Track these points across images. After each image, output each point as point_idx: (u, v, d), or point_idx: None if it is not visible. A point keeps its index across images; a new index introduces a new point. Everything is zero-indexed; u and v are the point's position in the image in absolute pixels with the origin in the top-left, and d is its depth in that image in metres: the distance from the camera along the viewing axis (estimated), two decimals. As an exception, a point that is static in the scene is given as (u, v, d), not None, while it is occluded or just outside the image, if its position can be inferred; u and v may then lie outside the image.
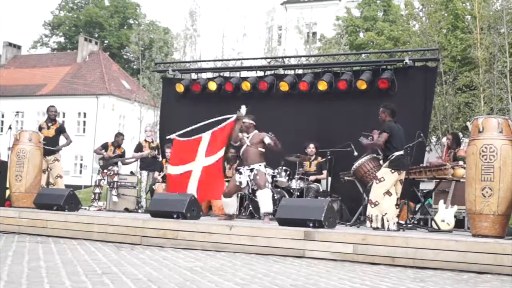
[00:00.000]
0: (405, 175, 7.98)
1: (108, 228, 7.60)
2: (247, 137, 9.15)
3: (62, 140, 11.22)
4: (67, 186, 11.35)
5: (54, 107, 11.30)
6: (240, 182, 9.06)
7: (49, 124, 11.00)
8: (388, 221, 7.59)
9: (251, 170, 8.99)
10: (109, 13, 53.79)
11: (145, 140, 12.63)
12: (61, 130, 11.12)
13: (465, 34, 20.77)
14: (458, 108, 19.67)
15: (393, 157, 7.73)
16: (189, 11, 27.19)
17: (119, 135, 12.70)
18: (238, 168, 9.40)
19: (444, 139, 10.86)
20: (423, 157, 10.53)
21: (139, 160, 12.79)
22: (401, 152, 7.79)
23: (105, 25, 52.99)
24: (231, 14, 55.57)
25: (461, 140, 10.53)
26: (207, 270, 4.94)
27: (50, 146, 10.64)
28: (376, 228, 7.56)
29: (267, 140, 8.89)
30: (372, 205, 7.71)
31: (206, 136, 9.68)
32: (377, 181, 7.74)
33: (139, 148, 12.56)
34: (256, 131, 9.17)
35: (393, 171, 7.72)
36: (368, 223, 7.77)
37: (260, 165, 9.00)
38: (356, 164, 8.44)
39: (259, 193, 8.88)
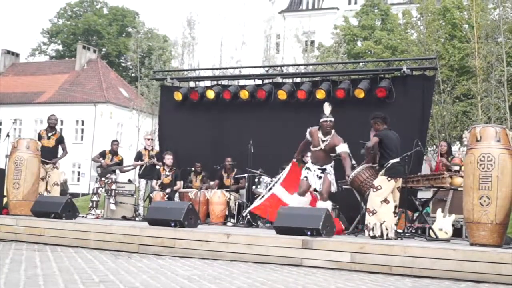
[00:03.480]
0: (402, 183, 7.98)
1: (106, 236, 7.59)
2: (323, 140, 8.91)
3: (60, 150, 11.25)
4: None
5: (54, 115, 11.32)
6: (306, 178, 8.94)
7: (49, 134, 11.03)
8: (387, 229, 7.59)
9: (322, 170, 8.93)
10: (108, 21, 53.88)
11: (145, 149, 12.64)
12: (60, 141, 11.14)
13: (462, 43, 20.86)
14: (456, 117, 19.71)
15: (388, 165, 7.74)
16: (187, 19, 27.27)
17: (113, 142, 12.76)
18: (307, 166, 9.15)
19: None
20: (421, 166, 10.55)
21: (138, 168, 12.79)
22: (397, 160, 7.80)
23: (104, 33, 53.07)
24: (229, 22, 55.73)
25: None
26: (204, 278, 4.93)
27: (50, 156, 10.69)
28: (374, 237, 7.55)
29: (340, 149, 8.72)
30: (370, 214, 7.71)
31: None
32: (374, 190, 7.74)
33: (139, 156, 12.59)
34: (333, 134, 8.93)
35: (389, 178, 7.72)
36: (366, 232, 7.76)
37: (331, 167, 8.98)
38: (352, 174, 8.43)
39: (319, 204, 8.80)
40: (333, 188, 9.00)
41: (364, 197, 8.46)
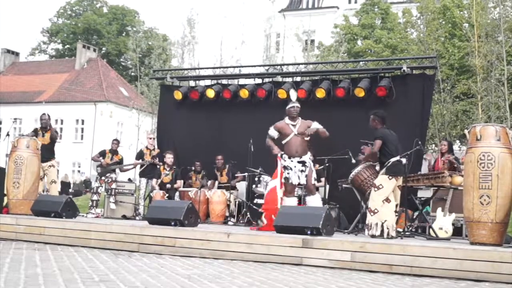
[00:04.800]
0: (403, 182, 7.97)
1: (106, 235, 7.59)
2: (293, 125, 8.90)
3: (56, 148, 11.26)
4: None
5: (44, 114, 11.28)
6: (287, 178, 8.75)
7: (44, 132, 11.01)
8: (388, 228, 7.58)
9: (303, 163, 8.77)
10: (108, 20, 53.86)
11: (147, 148, 12.64)
12: (52, 134, 11.06)
13: (462, 42, 20.87)
14: (456, 116, 19.72)
15: (389, 164, 7.73)
16: (187, 18, 27.25)
17: (113, 141, 12.76)
18: (285, 165, 8.86)
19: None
20: (421, 165, 10.54)
21: (138, 167, 12.79)
22: (397, 158, 7.79)
23: (103, 32, 53.05)
24: (229, 21, 55.66)
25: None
26: (204, 277, 4.93)
27: (46, 154, 10.64)
28: (374, 236, 7.54)
29: (316, 126, 8.71)
30: (372, 213, 7.69)
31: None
32: (376, 189, 7.73)
33: (140, 155, 12.58)
34: (300, 119, 8.93)
35: (390, 177, 7.71)
36: (367, 231, 7.75)
37: (310, 158, 8.86)
38: (353, 173, 8.42)
39: (309, 199, 8.74)
40: (313, 181, 8.93)
41: (365, 196, 8.45)
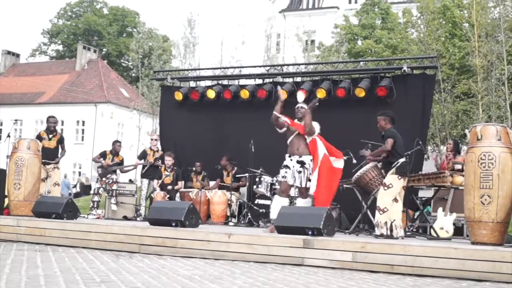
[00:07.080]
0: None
1: (107, 236, 7.59)
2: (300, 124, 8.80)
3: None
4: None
5: (54, 117, 11.31)
6: (284, 177, 8.57)
7: (50, 136, 11.05)
8: (396, 228, 7.60)
9: (302, 164, 8.56)
10: (108, 21, 53.87)
11: (150, 149, 12.63)
12: (60, 141, 11.19)
13: (463, 42, 20.89)
14: (457, 115, 19.74)
15: (398, 164, 7.74)
16: (187, 19, 27.29)
17: (116, 142, 12.75)
18: (284, 164, 8.70)
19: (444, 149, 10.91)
20: (422, 165, 10.54)
21: (140, 168, 12.79)
22: (404, 159, 7.81)
23: (104, 33, 53.06)
24: (230, 22, 55.71)
25: (460, 147, 10.56)
26: (205, 278, 4.93)
27: (51, 157, 10.73)
28: (384, 235, 7.54)
29: (315, 124, 8.63)
30: (381, 212, 7.68)
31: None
32: (386, 188, 7.72)
33: (143, 155, 12.58)
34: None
35: (399, 177, 7.73)
36: (377, 230, 7.74)
37: (311, 159, 8.61)
38: (360, 171, 8.38)
39: (299, 202, 8.59)
40: (308, 185, 8.62)
41: (369, 195, 8.44)
